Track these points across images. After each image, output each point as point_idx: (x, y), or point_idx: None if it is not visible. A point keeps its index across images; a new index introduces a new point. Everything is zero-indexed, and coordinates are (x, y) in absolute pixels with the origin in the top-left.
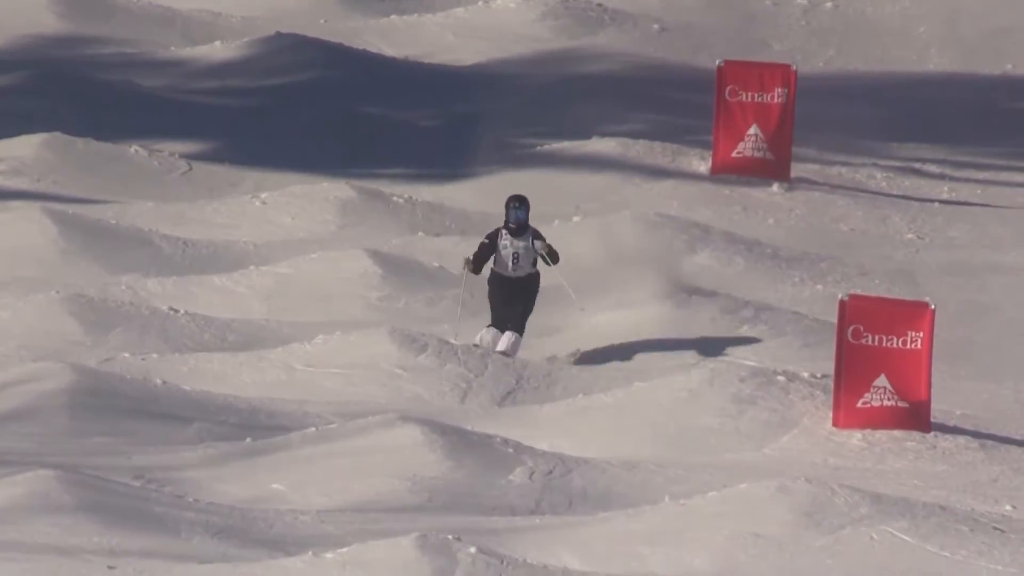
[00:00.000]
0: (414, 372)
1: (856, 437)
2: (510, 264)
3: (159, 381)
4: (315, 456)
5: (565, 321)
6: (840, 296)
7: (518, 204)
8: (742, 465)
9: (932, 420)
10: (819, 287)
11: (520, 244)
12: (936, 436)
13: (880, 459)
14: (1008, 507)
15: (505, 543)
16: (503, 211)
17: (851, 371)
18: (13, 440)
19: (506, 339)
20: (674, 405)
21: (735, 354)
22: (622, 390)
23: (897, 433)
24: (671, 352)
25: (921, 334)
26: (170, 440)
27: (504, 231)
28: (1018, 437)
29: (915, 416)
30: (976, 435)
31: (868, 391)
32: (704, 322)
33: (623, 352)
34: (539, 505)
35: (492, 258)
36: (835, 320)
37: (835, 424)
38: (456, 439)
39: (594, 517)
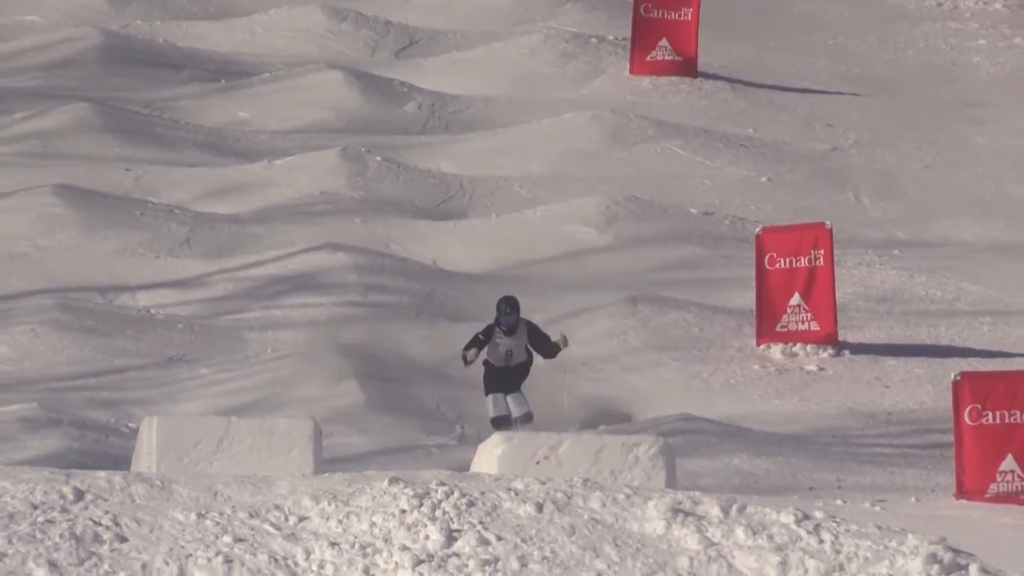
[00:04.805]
0: (338, 35)
1: (646, 81)
2: (504, 359)
3: (161, 40)
4: (269, 93)
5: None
6: None
7: (508, 310)
8: (566, 101)
9: (699, 70)
10: None
11: (512, 342)
12: (701, 81)
13: (663, 97)
14: (750, 130)
15: (401, 155)
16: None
17: (642, 35)
18: (59, 80)
19: (518, 401)
20: (519, 58)
21: (562, 23)
22: (483, 47)
23: (674, 78)
24: (517, 20)
25: (691, 9)
26: (169, 81)
27: (498, 329)
28: (758, 81)
29: (687, 66)
30: (729, 80)
31: (654, 49)
32: (540, 2)
33: (485, 22)
34: (425, 128)
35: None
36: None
37: (631, 72)
38: (367, 81)
39: (464, 136)
